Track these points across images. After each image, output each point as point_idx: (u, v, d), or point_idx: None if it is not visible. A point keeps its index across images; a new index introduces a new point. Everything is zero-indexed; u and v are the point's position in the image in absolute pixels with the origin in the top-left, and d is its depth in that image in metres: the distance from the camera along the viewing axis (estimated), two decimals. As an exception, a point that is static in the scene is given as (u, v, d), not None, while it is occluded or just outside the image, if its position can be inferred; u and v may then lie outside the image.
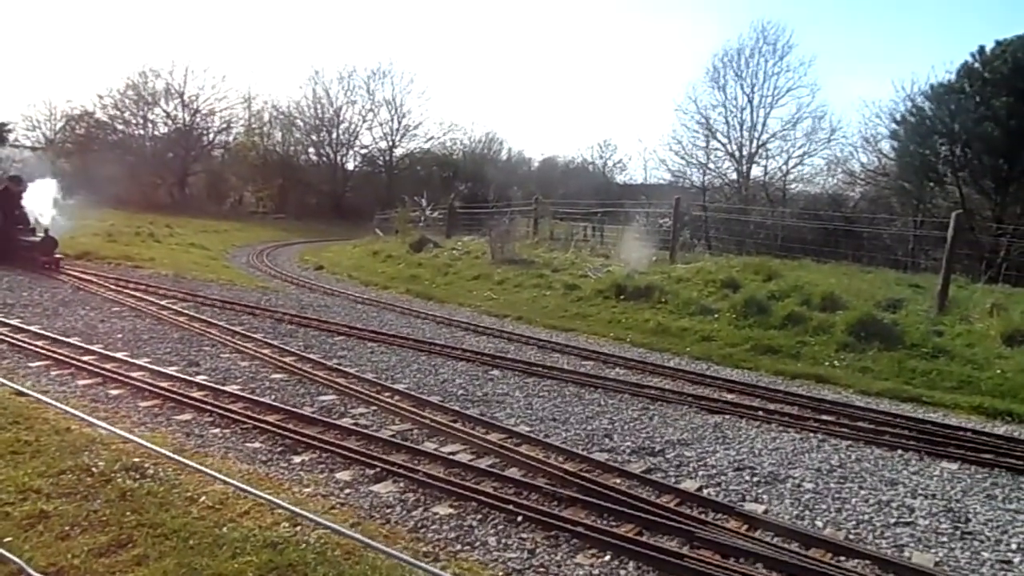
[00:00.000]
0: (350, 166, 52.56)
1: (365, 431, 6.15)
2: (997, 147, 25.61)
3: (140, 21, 73.32)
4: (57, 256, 14.28)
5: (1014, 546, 4.89)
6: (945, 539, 4.95)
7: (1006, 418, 8.28)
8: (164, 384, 7.04)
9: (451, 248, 21.66)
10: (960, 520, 5.24)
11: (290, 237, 34.72)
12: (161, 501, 4.43)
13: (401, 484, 5.18)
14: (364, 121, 50.98)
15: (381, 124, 50.95)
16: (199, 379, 7.35)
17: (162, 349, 8.59)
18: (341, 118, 50.32)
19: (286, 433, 5.93)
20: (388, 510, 4.79)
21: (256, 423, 6.13)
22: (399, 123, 50.67)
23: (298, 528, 4.26)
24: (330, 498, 4.87)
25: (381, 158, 52.10)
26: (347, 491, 5.03)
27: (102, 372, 7.27)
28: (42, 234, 14.44)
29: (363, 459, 5.51)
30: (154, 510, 4.29)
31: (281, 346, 9.05)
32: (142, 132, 46.73)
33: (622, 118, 72.65)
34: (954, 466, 6.44)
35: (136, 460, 5.00)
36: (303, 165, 51.43)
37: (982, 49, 27.17)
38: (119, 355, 7.99)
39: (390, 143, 51.31)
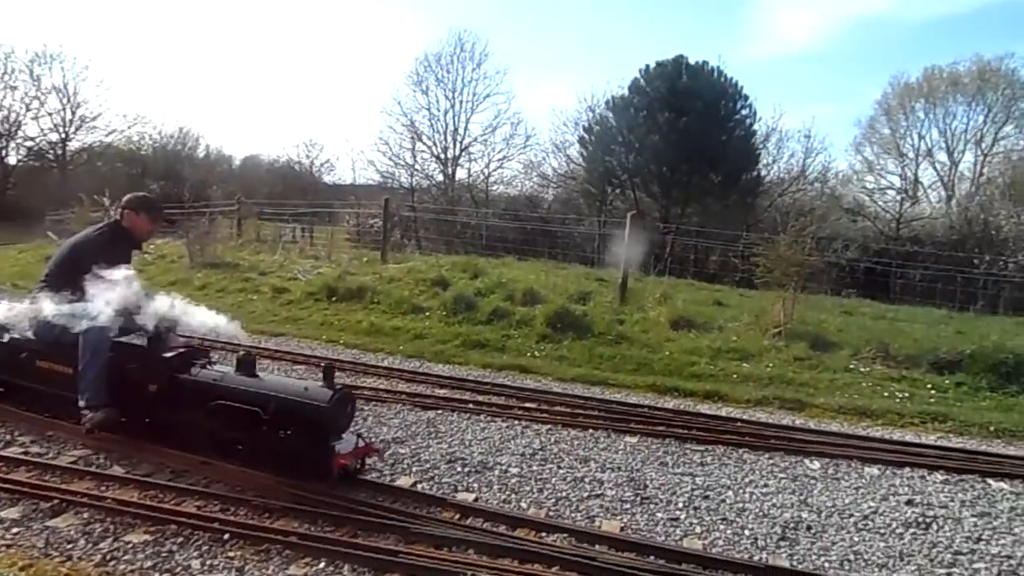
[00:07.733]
0: (12, 160, 45.48)
1: (39, 460, 5.38)
2: (661, 156, 29.75)
3: None
4: (372, 443, 6.01)
5: (680, 504, 5.66)
6: (628, 506, 5.57)
7: (674, 393, 9.50)
8: None
9: (144, 252, 19.70)
10: (640, 487, 5.93)
11: (-70, 241, 29.16)
12: None
13: (85, 515, 4.64)
14: (28, 110, 44.38)
15: (50, 114, 44.74)
16: None
17: None
18: (-1, 105, 43.35)
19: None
20: (69, 545, 4.26)
21: None
22: (73, 113, 44.86)
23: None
24: (-6, 545, 4.20)
25: (52, 152, 45.73)
26: (15, 530, 4.38)
27: None
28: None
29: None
30: None
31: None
32: None
33: (329, 118, 71.13)
34: (635, 440, 7.25)
35: None
36: (-53, 158, 43.52)
37: (647, 68, 31.38)
38: None
39: (62, 135, 45.23)
